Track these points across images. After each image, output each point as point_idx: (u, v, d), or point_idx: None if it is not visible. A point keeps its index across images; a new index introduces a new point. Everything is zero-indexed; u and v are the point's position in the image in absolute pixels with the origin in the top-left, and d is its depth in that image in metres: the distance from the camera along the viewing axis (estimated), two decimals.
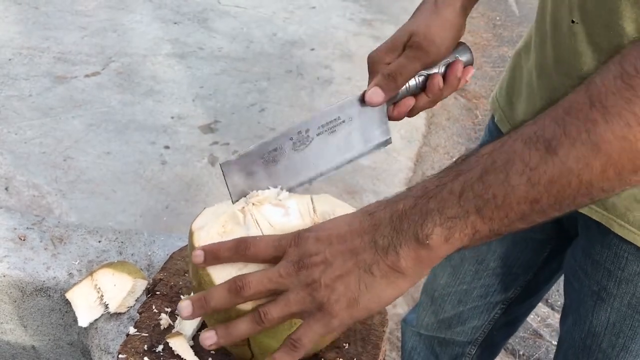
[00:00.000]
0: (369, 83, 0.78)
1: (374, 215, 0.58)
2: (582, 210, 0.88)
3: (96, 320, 0.93)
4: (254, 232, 0.68)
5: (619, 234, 0.84)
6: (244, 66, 3.27)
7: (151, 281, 0.88)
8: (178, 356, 0.76)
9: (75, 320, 0.93)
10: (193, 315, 0.61)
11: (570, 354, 0.99)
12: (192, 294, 0.84)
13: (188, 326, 0.79)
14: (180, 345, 0.77)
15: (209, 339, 0.61)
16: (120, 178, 2.48)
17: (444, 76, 0.80)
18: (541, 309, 2.09)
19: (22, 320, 1.04)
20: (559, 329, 1.08)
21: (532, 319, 2.05)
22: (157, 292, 0.86)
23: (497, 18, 4.07)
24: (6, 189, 2.37)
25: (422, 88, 0.79)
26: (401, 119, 0.81)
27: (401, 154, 2.76)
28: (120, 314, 0.92)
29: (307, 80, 3.21)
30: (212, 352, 0.77)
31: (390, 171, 2.65)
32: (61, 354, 1.07)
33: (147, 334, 0.79)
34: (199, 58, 3.30)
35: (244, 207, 0.71)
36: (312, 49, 3.49)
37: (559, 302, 2.08)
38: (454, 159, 0.58)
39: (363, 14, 3.92)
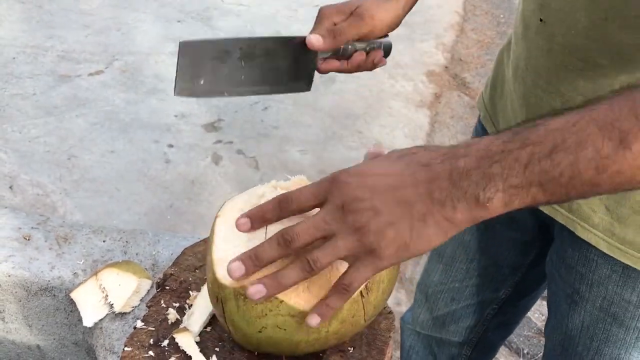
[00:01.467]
0: (313, 29, 0.88)
1: (431, 168, 0.58)
2: (545, 211, 0.89)
3: (101, 320, 0.93)
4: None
5: (583, 237, 0.84)
6: None
7: (162, 275, 0.89)
8: (183, 352, 0.76)
9: (80, 320, 0.93)
10: (247, 274, 0.62)
11: (552, 355, 1.00)
12: (202, 290, 0.84)
13: (195, 322, 0.80)
14: (186, 341, 0.77)
15: (258, 292, 0.61)
16: (124, 177, 2.49)
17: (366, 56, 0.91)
18: (545, 308, 2.09)
19: (27, 320, 1.04)
20: None
21: (536, 318, 2.05)
22: (167, 287, 0.86)
23: (501, 16, 4.06)
24: (10, 187, 2.37)
25: (348, 57, 0.91)
26: (324, 72, 0.91)
27: None
28: (125, 313, 0.92)
29: None
30: (216, 349, 0.77)
31: None
32: (66, 354, 1.07)
33: (153, 328, 0.80)
34: None
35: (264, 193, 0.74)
36: None
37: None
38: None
39: None
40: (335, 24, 0.87)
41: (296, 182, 0.77)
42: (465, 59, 3.52)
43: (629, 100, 0.54)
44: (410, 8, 0.93)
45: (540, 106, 0.84)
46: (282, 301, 0.66)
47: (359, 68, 0.92)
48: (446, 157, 0.58)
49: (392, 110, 3.02)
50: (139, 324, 0.80)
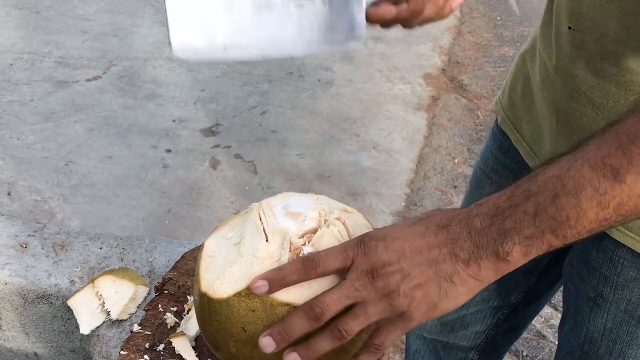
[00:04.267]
0: None
1: (450, 230, 0.60)
2: None
3: (98, 327, 0.93)
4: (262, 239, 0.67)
5: (620, 240, 0.84)
6: (245, 69, 3.28)
7: (161, 279, 0.89)
8: (179, 356, 0.77)
9: (78, 328, 0.93)
10: (278, 349, 0.62)
11: (569, 359, 0.99)
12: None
13: (192, 327, 0.80)
14: (183, 345, 0.78)
15: None
16: (123, 182, 2.49)
17: None
18: (545, 310, 2.09)
19: (24, 328, 1.04)
20: None
21: (535, 320, 2.05)
22: (166, 292, 0.86)
23: (498, 18, 4.06)
24: (9, 194, 2.37)
25: None
26: (377, 22, 0.76)
27: (403, 155, 2.76)
28: (122, 321, 0.92)
29: (308, 82, 3.21)
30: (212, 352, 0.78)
31: (392, 173, 2.65)
32: None
33: (150, 333, 0.80)
34: None
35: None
36: None
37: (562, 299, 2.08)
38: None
39: None
40: None
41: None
42: (462, 62, 3.53)
43: (615, 137, 0.58)
44: None
45: (570, 114, 0.84)
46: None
47: (421, 15, 0.76)
48: (461, 217, 0.61)
49: (390, 113, 3.02)
50: (136, 327, 0.80)
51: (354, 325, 0.60)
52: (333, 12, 0.70)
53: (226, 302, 0.64)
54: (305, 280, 0.63)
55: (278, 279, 0.62)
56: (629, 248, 0.84)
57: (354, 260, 0.61)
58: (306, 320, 0.61)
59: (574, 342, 0.96)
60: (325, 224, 0.68)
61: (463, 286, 0.60)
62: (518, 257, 0.59)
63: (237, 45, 0.68)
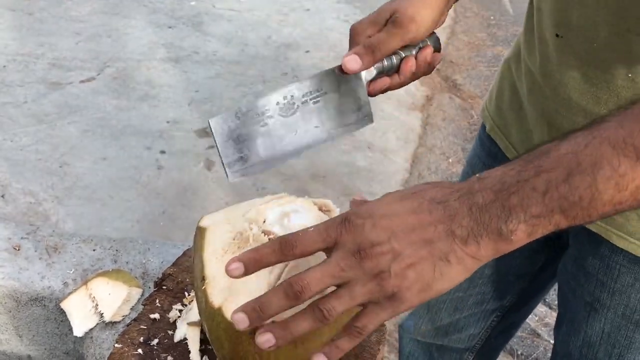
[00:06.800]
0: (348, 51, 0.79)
1: (447, 205, 0.56)
2: None
3: (91, 329, 0.93)
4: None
5: (619, 245, 0.84)
6: (239, 69, 3.27)
7: (161, 274, 0.90)
8: (171, 352, 0.77)
9: (71, 330, 0.93)
10: (250, 326, 0.57)
11: None
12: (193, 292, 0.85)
13: (193, 316, 0.82)
14: (193, 336, 0.79)
15: (267, 342, 0.57)
16: (117, 184, 2.48)
17: (415, 59, 0.82)
18: (539, 308, 2.10)
19: (17, 330, 1.03)
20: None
21: (529, 319, 2.05)
22: (164, 287, 0.87)
23: (492, 17, 4.07)
24: (2, 196, 2.37)
25: (396, 69, 0.82)
26: (375, 95, 0.83)
27: (397, 155, 2.76)
28: (115, 322, 0.92)
29: None
30: (209, 347, 0.78)
31: (386, 173, 2.66)
32: None
33: (145, 327, 0.80)
34: (193, 62, 3.30)
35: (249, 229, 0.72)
36: (307, 51, 3.49)
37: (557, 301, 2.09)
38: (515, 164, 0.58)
39: (357, 15, 3.92)
40: (369, 37, 0.78)
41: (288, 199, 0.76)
42: (456, 61, 3.53)
43: (638, 116, 0.55)
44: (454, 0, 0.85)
45: (560, 122, 0.83)
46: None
47: (414, 76, 0.83)
48: (462, 192, 0.57)
49: (384, 113, 3.03)
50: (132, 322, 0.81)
51: (337, 305, 0.55)
52: (342, 98, 0.79)
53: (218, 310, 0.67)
54: (282, 262, 0.59)
55: (254, 259, 0.58)
56: (626, 254, 0.83)
57: (337, 239, 0.56)
58: (283, 298, 0.56)
59: (571, 346, 0.96)
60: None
61: (459, 264, 0.56)
62: (522, 236, 0.55)
63: (275, 157, 0.77)
